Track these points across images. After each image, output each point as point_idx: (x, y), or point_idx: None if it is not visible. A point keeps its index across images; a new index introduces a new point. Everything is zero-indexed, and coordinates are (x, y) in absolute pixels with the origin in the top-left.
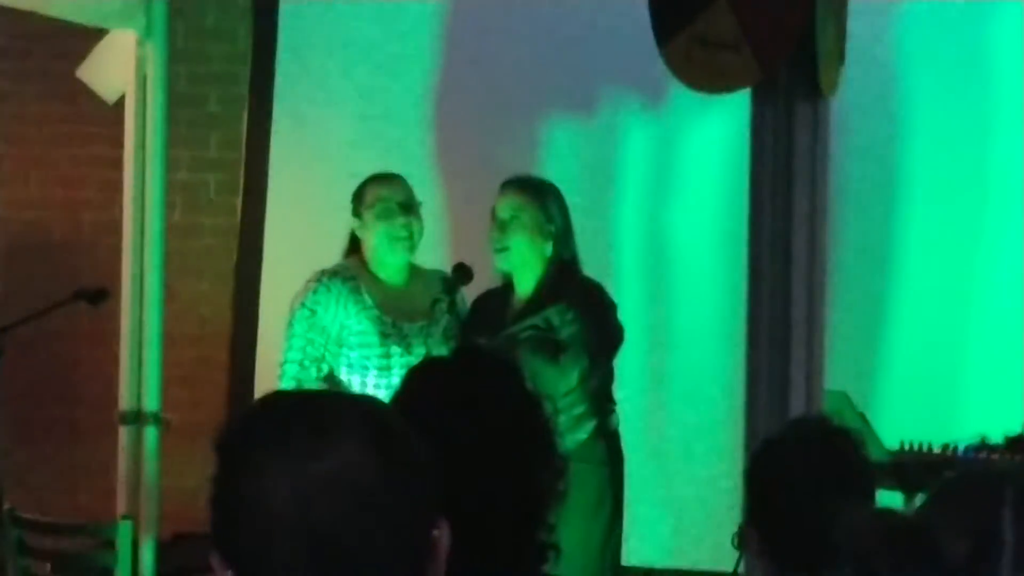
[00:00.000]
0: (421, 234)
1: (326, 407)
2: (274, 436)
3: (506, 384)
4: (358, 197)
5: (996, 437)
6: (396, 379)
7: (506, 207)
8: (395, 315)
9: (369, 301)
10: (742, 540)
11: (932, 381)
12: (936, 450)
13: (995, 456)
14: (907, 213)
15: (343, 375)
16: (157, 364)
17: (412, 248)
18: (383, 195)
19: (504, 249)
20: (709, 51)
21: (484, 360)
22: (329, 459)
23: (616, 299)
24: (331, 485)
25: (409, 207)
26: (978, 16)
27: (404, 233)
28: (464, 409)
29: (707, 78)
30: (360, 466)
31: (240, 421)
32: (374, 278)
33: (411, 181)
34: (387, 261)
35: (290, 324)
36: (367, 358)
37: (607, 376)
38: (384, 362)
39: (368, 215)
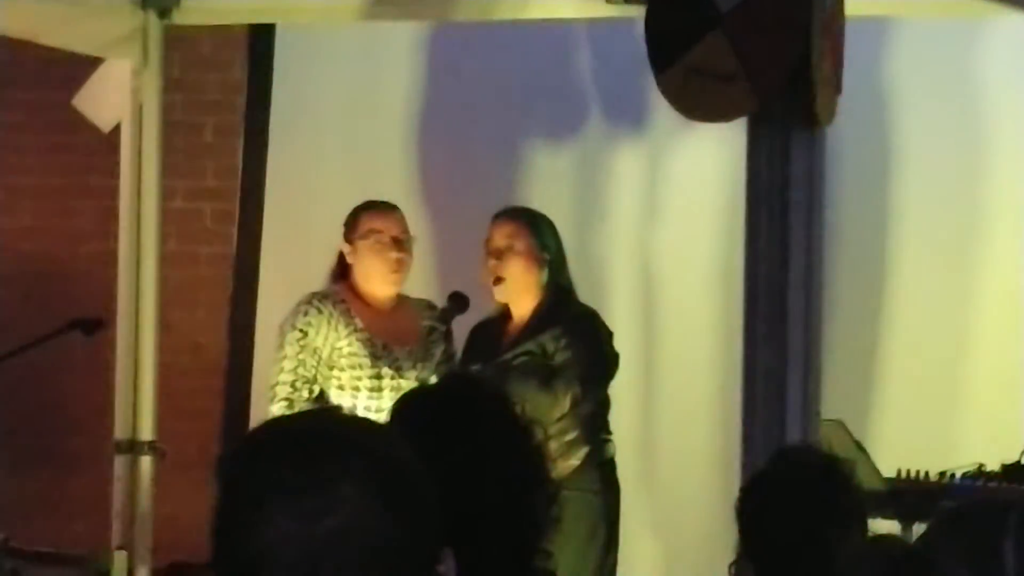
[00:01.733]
0: (409, 268)
1: (331, 449)
2: (280, 487)
3: (493, 410)
4: (352, 223)
5: (993, 465)
6: (387, 401)
7: (500, 235)
8: (385, 338)
9: (359, 323)
10: (738, 572)
11: (929, 409)
12: (933, 478)
13: (992, 484)
14: (901, 239)
15: (334, 397)
16: (152, 393)
17: (400, 282)
18: (377, 227)
19: (500, 280)
20: (705, 80)
21: (471, 387)
22: (338, 515)
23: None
24: (342, 541)
25: (402, 242)
26: (972, 35)
27: (394, 268)
28: (452, 436)
29: (703, 108)
30: (369, 517)
31: (243, 462)
32: (363, 302)
33: (401, 206)
34: (375, 291)
35: (281, 346)
36: (358, 379)
37: (602, 404)
38: (375, 383)
39: (360, 245)
